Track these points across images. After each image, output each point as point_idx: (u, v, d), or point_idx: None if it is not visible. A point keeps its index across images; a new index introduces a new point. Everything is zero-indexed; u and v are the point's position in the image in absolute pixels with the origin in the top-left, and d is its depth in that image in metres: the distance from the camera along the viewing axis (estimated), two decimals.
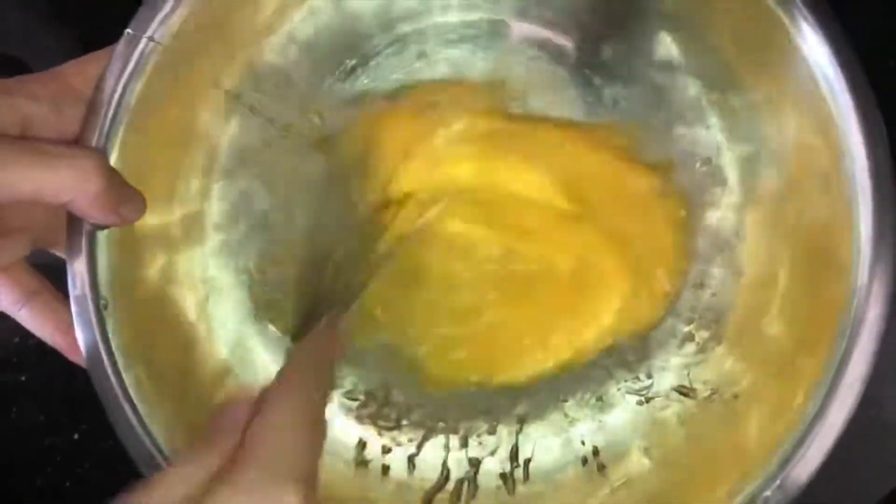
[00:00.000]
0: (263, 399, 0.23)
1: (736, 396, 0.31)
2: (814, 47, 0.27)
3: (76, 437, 0.41)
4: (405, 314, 0.35)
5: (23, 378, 0.41)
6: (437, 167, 0.35)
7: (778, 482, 0.27)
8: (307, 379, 0.25)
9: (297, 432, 0.22)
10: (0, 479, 0.41)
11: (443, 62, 0.34)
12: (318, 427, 0.24)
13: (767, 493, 0.27)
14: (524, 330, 0.35)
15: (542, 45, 0.34)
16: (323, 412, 0.25)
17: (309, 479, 0.22)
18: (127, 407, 0.28)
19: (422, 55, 0.34)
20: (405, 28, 0.34)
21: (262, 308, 0.35)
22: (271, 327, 0.35)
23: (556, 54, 0.34)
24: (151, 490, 0.21)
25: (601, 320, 0.34)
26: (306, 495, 0.21)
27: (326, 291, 0.33)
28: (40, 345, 0.40)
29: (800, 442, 0.27)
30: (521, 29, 0.33)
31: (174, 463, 0.21)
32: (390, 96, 0.35)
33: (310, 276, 0.34)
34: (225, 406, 0.24)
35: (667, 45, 0.32)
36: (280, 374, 0.25)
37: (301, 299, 0.34)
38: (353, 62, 0.34)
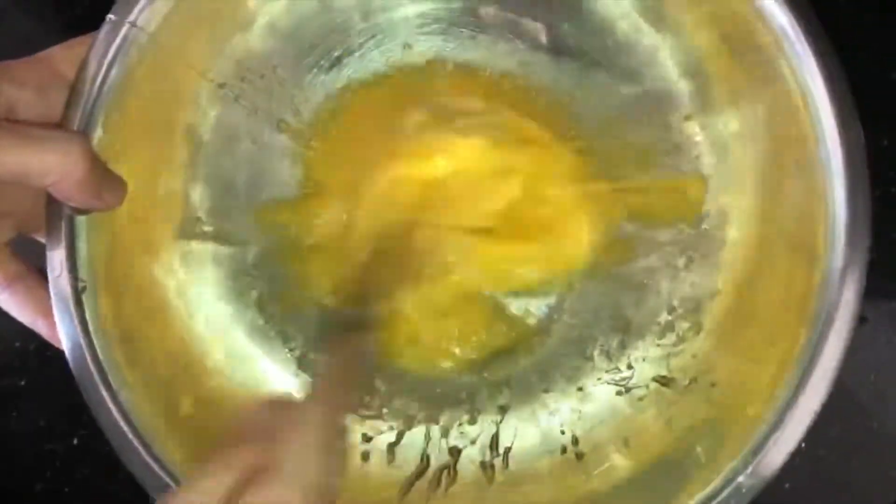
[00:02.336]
0: (293, 419, 0.23)
1: (713, 384, 0.31)
2: (787, 32, 0.27)
3: (75, 441, 0.41)
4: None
5: (23, 382, 0.41)
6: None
7: (751, 468, 0.27)
8: (338, 400, 0.25)
9: (327, 455, 0.23)
10: None
11: (426, 52, 0.35)
12: (343, 451, 0.24)
13: (741, 478, 0.27)
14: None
15: (521, 32, 0.34)
16: (345, 436, 0.25)
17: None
18: (104, 390, 0.28)
19: (406, 45, 0.35)
20: (386, 18, 0.34)
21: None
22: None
23: (535, 42, 0.34)
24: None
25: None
26: None
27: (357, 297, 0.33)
28: (41, 349, 0.40)
29: (774, 427, 0.27)
30: (499, 17, 0.34)
31: (194, 477, 0.21)
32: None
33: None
34: (248, 413, 0.25)
35: (643, 32, 0.32)
36: (313, 390, 0.25)
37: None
38: (337, 53, 0.34)
